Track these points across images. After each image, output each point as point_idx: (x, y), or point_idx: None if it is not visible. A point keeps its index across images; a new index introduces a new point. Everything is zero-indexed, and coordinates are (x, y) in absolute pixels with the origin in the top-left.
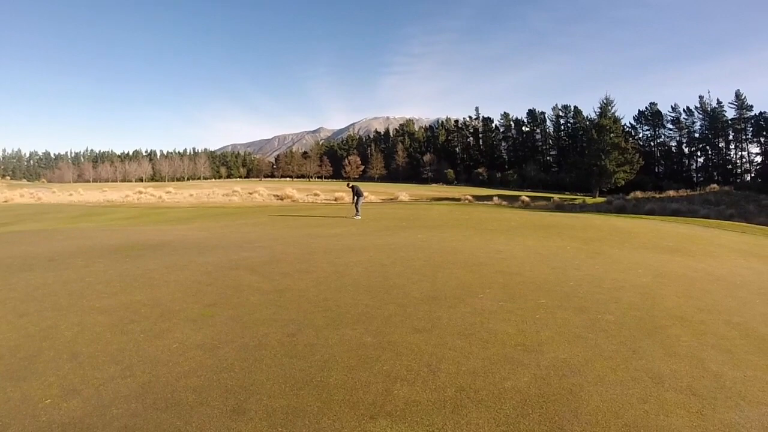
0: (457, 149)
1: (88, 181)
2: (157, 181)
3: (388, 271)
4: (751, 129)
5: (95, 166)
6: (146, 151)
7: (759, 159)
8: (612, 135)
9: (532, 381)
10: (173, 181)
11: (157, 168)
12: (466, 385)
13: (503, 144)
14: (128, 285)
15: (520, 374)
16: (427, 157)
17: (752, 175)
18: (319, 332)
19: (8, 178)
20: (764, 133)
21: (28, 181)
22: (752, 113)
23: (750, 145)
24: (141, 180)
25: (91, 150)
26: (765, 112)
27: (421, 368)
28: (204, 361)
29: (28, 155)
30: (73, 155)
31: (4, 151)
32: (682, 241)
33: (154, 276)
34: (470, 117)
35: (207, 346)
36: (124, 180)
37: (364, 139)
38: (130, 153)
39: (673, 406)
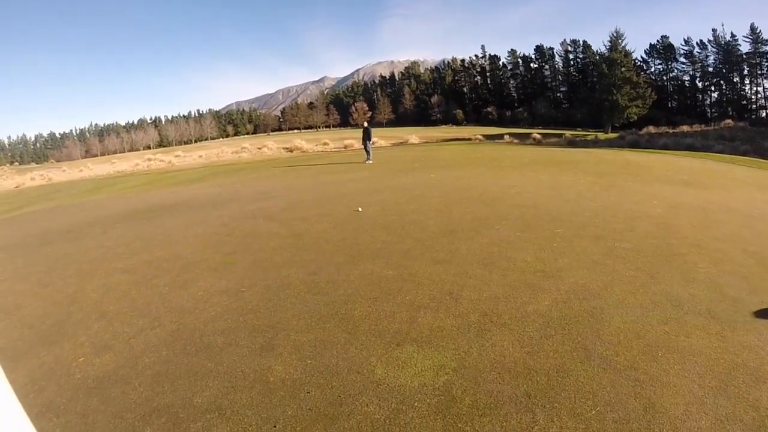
0: (465, 89)
1: (96, 156)
2: (164, 146)
3: (404, 209)
4: (766, 64)
5: (101, 139)
6: (151, 119)
7: None
8: (623, 69)
9: (554, 305)
10: (181, 144)
11: (163, 134)
12: (488, 310)
13: (512, 82)
14: (148, 244)
15: (541, 299)
16: (434, 99)
17: (767, 111)
18: (340, 269)
19: (16, 163)
20: None
21: (36, 164)
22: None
23: (765, 81)
24: (149, 147)
25: (96, 124)
26: None
27: (444, 296)
28: (230, 305)
29: (33, 139)
30: (78, 132)
31: (9, 138)
32: (696, 174)
33: (173, 233)
34: (476, 56)
35: (231, 291)
36: (132, 150)
37: (369, 85)
38: (135, 122)
39: (693, 328)
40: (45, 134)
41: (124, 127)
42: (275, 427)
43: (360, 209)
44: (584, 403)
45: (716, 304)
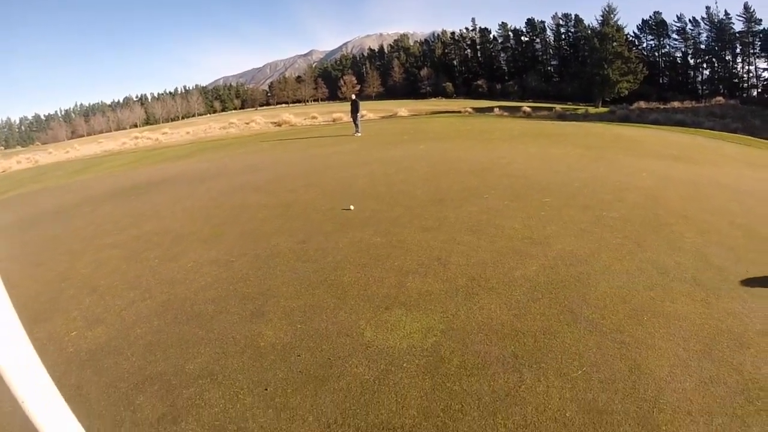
0: (454, 62)
1: (83, 136)
2: (151, 124)
3: (393, 180)
4: (759, 43)
5: (87, 119)
6: (137, 97)
7: (767, 75)
8: (615, 44)
9: (541, 270)
10: (168, 122)
11: (150, 111)
12: (476, 275)
13: (502, 55)
14: (137, 220)
15: (528, 264)
16: (424, 72)
17: (759, 90)
18: (328, 237)
19: (2, 148)
20: None
21: (22, 147)
22: (761, 27)
23: (758, 60)
24: (135, 126)
25: (81, 104)
26: None
27: (432, 262)
28: (220, 274)
29: (18, 122)
30: (63, 113)
31: None
32: (686, 149)
33: (161, 208)
34: (467, 29)
35: (221, 261)
36: (118, 128)
37: (358, 58)
38: (121, 101)
39: (679, 294)
40: (30, 117)
41: (109, 106)
42: (266, 389)
43: (352, 207)
44: (571, 364)
45: (702, 272)
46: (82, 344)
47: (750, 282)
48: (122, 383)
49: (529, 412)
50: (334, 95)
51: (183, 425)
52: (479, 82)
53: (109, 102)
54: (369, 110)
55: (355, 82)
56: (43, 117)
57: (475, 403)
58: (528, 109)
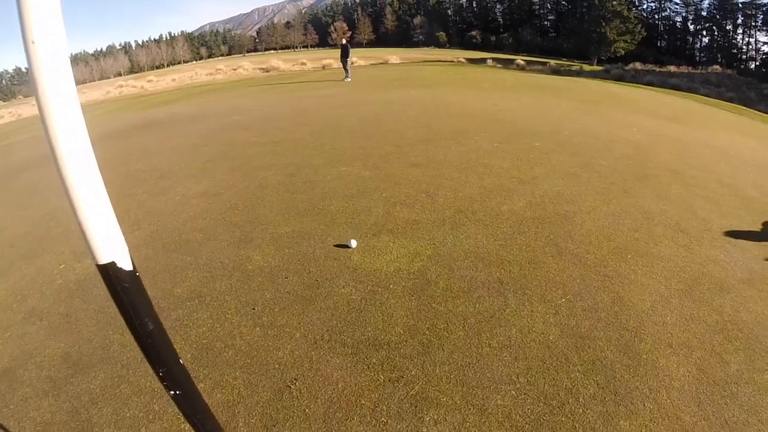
0: (449, 11)
1: None
2: (136, 72)
3: (383, 120)
4: (761, 16)
5: None
6: (120, 45)
7: (766, 48)
8: (614, 2)
9: (527, 206)
10: (153, 70)
11: (134, 60)
12: (464, 207)
13: (498, 6)
14: (124, 159)
15: (515, 200)
16: (417, 20)
17: (757, 63)
18: (317, 171)
19: None
20: None
21: (3, 101)
22: (765, 0)
23: (758, 33)
24: (120, 74)
25: None
26: None
27: (420, 195)
28: (208, 205)
29: None
30: None
31: None
32: (679, 111)
33: (149, 147)
34: None
35: (210, 193)
36: (102, 78)
37: (349, 4)
38: (104, 49)
39: (662, 237)
40: (11, 70)
41: (92, 55)
42: (254, 309)
43: (354, 243)
44: (555, 292)
45: (686, 221)
46: (70, 276)
47: (734, 234)
48: (111, 309)
49: (513, 334)
50: (324, 42)
51: None
52: (473, 33)
53: (91, 51)
54: (360, 57)
55: (346, 28)
56: (24, 70)
57: (460, 323)
58: (522, 62)
